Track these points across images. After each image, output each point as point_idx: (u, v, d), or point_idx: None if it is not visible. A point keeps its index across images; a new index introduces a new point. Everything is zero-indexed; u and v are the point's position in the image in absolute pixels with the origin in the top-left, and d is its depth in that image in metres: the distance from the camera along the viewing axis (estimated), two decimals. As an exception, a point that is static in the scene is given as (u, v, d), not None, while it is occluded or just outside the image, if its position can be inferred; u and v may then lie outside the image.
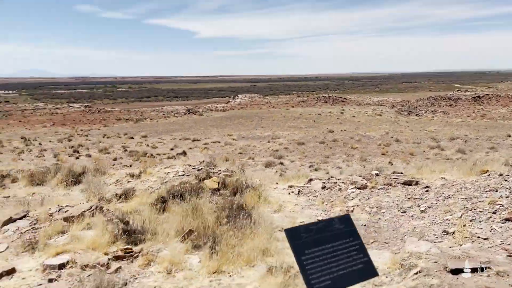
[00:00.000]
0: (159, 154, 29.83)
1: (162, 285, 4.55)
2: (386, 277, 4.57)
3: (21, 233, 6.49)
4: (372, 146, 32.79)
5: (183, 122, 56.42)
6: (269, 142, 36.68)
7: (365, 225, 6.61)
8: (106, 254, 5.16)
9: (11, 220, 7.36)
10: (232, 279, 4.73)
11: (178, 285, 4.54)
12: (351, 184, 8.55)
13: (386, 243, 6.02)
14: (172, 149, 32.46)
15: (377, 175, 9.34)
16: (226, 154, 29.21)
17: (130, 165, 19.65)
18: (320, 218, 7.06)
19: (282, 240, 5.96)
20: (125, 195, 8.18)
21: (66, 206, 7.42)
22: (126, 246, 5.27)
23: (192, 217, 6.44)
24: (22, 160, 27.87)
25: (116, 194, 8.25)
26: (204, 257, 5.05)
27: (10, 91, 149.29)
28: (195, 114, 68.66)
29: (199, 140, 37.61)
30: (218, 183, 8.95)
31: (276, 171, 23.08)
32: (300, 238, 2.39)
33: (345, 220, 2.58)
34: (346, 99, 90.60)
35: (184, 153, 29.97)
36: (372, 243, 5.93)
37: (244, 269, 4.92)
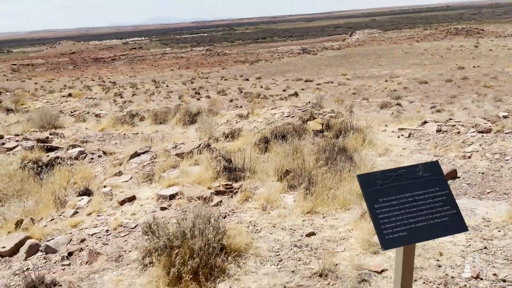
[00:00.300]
0: (271, 96, 30.34)
1: (257, 220, 4.80)
2: (499, 231, 4.14)
3: (143, 166, 7.35)
4: (510, 85, 28.61)
5: (296, 62, 55.92)
6: (386, 81, 34.50)
7: (483, 173, 5.96)
8: (209, 188, 5.59)
9: (136, 154, 8.37)
10: (325, 220, 4.76)
11: (272, 222, 4.74)
12: (472, 127, 7.67)
13: (505, 193, 5.38)
14: (284, 90, 32.69)
15: (505, 117, 8.21)
16: (338, 95, 28.42)
17: (241, 106, 20.40)
18: (428, 163, 6.56)
19: (382, 184, 5.74)
20: (232, 135, 8.61)
21: (180, 144, 8.13)
22: (227, 182, 5.63)
23: (292, 158, 6.53)
24: (153, 101, 30.88)
25: (224, 134, 8.73)
26: (299, 197, 5.14)
27: (142, 38, 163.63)
28: (309, 53, 67.35)
29: (311, 81, 37.10)
30: (322, 124, 8.83)
31: (392, 113, 21.78)
32: (375, 184, 2.23)
33: (432, 167, 2.33)
34: (482, 30, 79.28)
35: (296, 94, 29.97)
36: (488, 193, 5.36)
37: (339, 212, 4.90)
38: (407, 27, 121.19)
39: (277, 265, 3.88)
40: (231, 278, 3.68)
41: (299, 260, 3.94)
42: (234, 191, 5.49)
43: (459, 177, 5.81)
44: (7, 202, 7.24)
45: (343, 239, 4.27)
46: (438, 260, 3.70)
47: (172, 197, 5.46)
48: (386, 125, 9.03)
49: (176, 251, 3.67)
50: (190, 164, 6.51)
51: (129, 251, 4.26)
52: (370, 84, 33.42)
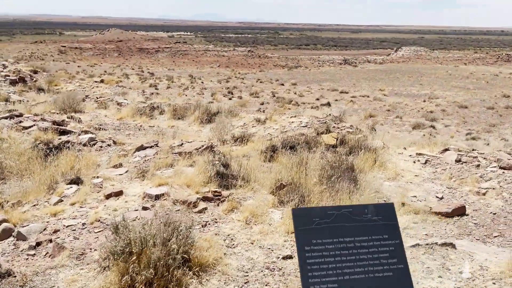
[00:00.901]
0: (303, 103, 29.90)
1: (237, 234, 4.52)
2: (494, 283, 3.67)
3: (144, 160, 7.22)
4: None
5: (334, 72, 55.06)
6: (424, 101, 33.26)
7: (494, 214, 5.42)
8: (197, 193, 5.35)
9: (142, 148, 8.26)
10: (310, 243, 4.41)
11: (251, 238, 4.45)
12: (495, 161, 7.07)
13: (515, 241, 4.84)
14: (317, 99, 32.17)
15: (536, 155, 7.52)
16: (371, 110, 27.64)
17: (263, 111, 20.14)
18: (440, 196, 6.06)
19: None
20: (241, 139, 8.35)
21: (186, 142, 7.95)
22: (216, 189, 5.37)
23: (295, 171, 6.20)
24: (186, 95, 31.11)
25: (233, 137, 8.48)
26: (286, 214, 4.82)
27: (188, 33, 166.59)
28: (350, 65, 66.26)
29: (347, 93, 36.33)
30: (336, 139, 8.43)
31: (424, 135, 20.89)
32: (311, 222, 1.89)
33: (385, 209, 1.96)
34: (536, 59, 75.34)
35: (328, 104, 29.41)
36: (495, 237, 4.83)
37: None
38: (456, 48, 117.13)
39: (240, 287, 3.58)
40: (188, 294, 3.41)
41: (266, 285, 3.62)
42: (222, 199, 5.23)
43: (467, 215, 5.30)
44: (9, 180, 7.29)
45: (321, 268, 3.92)
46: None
47: (157, 197, 5.26)
48: (405, 148, 8.51)
49: (133, 257, 3.44)
50: (186, 164, 6.30)
51: (94, 250, 4.08)
52: (406, 103, 32.32)
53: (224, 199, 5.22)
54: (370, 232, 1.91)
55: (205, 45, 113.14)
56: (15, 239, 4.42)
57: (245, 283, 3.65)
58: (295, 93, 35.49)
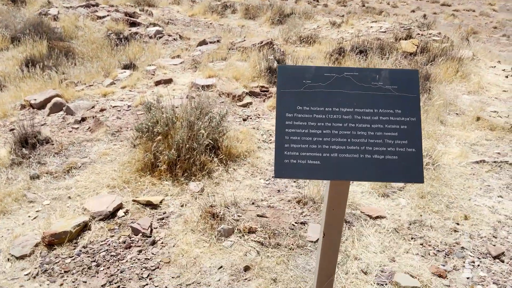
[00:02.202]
0: (395, 15, 27.05)
1: (277, 130, 4.22)
2: None
3: (203, 54, 7.00)
4: None
5: (440, -18, 48.38)
6: (544, 20, 28.34)
7: None
8: (245, 87, 5.05)
9: (204, 42, 8.02)
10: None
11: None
12: None
13: None
14: (413, 11, 28.85)
15: None
16: (474, 26, 24.24)
17: (343, 16, 18.34)
18: (529, 115, 5.11)
19: (449, 125, 4.65)
20: (308, 40, 7.69)
21: (249, 39, 7.52)
22: (264, 85, 5.02)
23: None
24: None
25: (300, 37, 7.84)
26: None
27: None
28: (459, -26, 57.67)
29: (449, 5, 32.04)
30: (417, 46, 7.40)
31: (533, 57, 18.01)
32: (299, 85, 1.46)
33: (403, 76, 1.44)
34: None
35: (424, 16, 26.28)
36: None
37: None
38: None
39: (266, 181, 3.36)
40: (212, 179, 3.29)
41: (293, 182, 3.36)
42: (269, 95, 4.89)
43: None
44: (82, 64, 7.58)
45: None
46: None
47: (204, 87, 5.07)
48: (499, 62, 7.27)
49: (158, 137, 3.34)
50: (240, 59, 5.95)
51: (131, 129, 4.07)
52: (520, 20, 27.80)
53: (271, 95, 4.87)
54: (377, 104, 1.45)
55: None
56: (65, 113, 4.58)
57: (273, 177, 3.42)
58: (388, 3, 32.09)
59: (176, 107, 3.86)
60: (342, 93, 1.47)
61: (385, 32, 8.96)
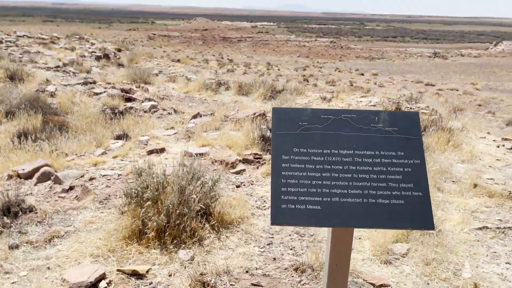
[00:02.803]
0: (383, 92, 28.25)
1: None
2: None
3: (197, 125, 7.05)
4: None
5: (421, 64, 51.45)
6: (525, 98, 29.68)
7: None
8: (238, 154, 5.01)
9: (198, 115, 8.15)
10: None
11: (286, 202, 4.00)
12: None
13: None
14: (399, 90, 30.20)
15: None
16: (459, 104, 25.24)
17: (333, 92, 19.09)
18: (525, 182, 5.06)
19: (447, 191, 4.56)
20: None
21: (240, 112, 7.66)
22: (257, 152, 4.99)
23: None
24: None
25: (292, 110, 8.01)
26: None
27: (271, 23, 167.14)
28: (440, 57, 61.57)
29: (433, 85, 33.71)
30: (407, 118, 7.55)
31: (519, 132, 18.53)
32: (296, 127, 1.38)
33: (404, 118, 1.37)
34: None
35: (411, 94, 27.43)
36: None
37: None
38: None
39: (261, 248, 3.17)
40: (203, 247, 3.08)
41: (290, 249, 3.17)
42: (262, 162, 4.83)
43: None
44: (75, 137, 7.57)
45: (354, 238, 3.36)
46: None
47: (197, 155, 5.01)
48: (488, 133, 7.40)
49: (148, 202, 3.19)
50: (233, 129, 5.99)
51: (120, 197, 3.92)
52: (502, 98, 29.03)
53: (265, 162, 4.82)
54: (378, 146, 1.36)
55: (287, 35, 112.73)
56: (53, 182, 4.44)
57: (268, 244, 3.23)
58: (375, 83, 33.67)
59: (168, 175, 3.76)
60: (341, 135, 1.40)
61: (374, 105, 9.23)
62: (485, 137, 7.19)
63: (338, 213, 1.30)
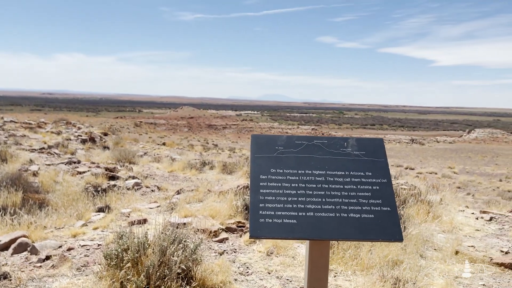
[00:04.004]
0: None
1: (254, 263, 4.04)
2: None
3: (180, 199, 7.05)
4: None
5: (400, 149, 53.32)
6: (501, 181, 30.56)
7: None
8: (221, 223, 5.00)
9: (182, 191, 8.17)
10: (335, 279, 3.81)
11: (269, 268, 3.94)
12: None
13: None
14: (380, 173, 30.90)
15: None
16: (438, 185, 25.75)
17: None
18: (506, 250, 5.11)
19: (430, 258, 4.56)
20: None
21: (224, 185, 7.73)
22: (240, 220, 4.99)
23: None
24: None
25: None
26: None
27: (255, 111, 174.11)
28: (417, 143, 64.11)
29: (412, 169, 34.62)
30: (387, 192, 7.72)
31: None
32: (272, 151, 1.49)
33: (370, 144, 1.50)
34: None
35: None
36: None
37: (356, 274, 3.91)
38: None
39: (243, 312, 3.06)
40: (182, 313, 2.97)
41: (273, 313, 3.07)
42: (245, 231, 4.81)
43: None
44: (55, 213, 7.43)
45: (344, 302, 3.29)
46: None
47: (179, 225, 4.97)
48: (467, 206, 7.56)
49: (127, 264, 3.13)
50: (217, 200, 6.02)
51: (99, 264, 3.80)
52: (480, 181, 29.86)
53: (247, 230, 4.80)
54: (348, 167, 1.46)
55: (271, 123, 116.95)
56: (29, 253, 4.30)
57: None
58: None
59: (150, 239, 3.72)
60: (314, 158, 1.51)
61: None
62: (463, 210, 7.33)
63: (313, 227, 1.36)
